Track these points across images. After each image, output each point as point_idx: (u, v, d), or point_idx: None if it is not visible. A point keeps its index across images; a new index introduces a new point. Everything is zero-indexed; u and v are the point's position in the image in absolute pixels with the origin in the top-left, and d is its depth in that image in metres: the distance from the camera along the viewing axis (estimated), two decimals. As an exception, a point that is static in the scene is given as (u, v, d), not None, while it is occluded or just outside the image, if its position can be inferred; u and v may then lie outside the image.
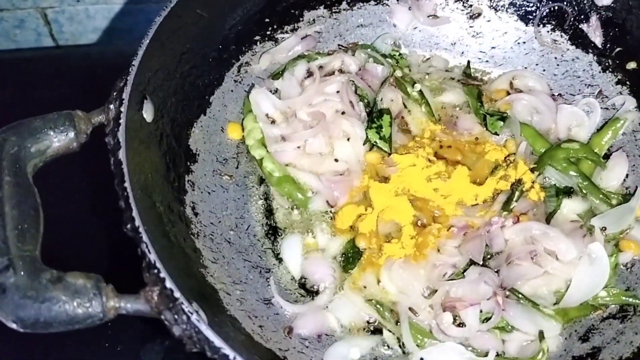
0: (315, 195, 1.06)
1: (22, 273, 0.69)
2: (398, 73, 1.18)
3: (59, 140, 0.82)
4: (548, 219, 1.02)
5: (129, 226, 0.75)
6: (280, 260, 1.02)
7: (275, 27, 1.17)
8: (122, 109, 0.82)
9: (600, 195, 1.05)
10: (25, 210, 0.74)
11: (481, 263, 0.97)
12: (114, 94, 0.85)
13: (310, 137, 1.07)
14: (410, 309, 0.94)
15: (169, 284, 0.70)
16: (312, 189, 1.07)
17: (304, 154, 1.08)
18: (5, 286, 0.68)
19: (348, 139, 1.09)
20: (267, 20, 1.15)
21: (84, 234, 1.05)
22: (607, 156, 1.12)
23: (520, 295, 0.94)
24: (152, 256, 0.72)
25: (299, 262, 1.01)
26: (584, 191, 1.05)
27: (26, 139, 0.80)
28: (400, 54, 1.23)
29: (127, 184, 0.77)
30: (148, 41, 0.90)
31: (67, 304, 0.69)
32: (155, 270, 0.71)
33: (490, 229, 0.99)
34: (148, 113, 0.91)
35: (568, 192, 1.06)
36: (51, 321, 0.68)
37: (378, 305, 0.96)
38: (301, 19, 1.19)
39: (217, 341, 0.69)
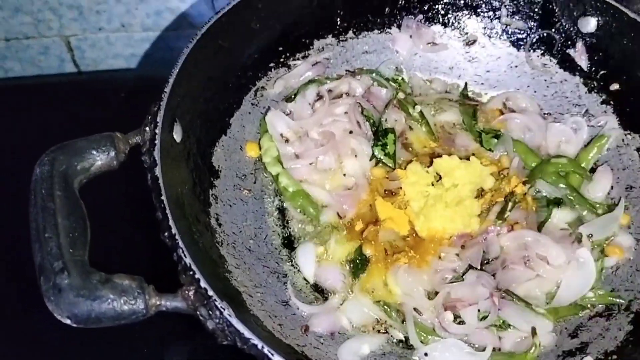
0: (326, 208, 1.12)
1: (75, 275, 0.76)
2: (401, 95, 1.24)
3: (101, 159, 0.89)
4: (539, 227, 1.08)
5: (166, 234, 0.83)
6: (295, 266, 1.07)
7: (288, 55, 1.23)
8: (156, 130, 0.90)
9: (587, 206, 1.11)
10: (74, 221, 0.82)
11: (479, 267, 1.03)
12: (149, 117, 0.93)
13: (321, 155, 1.14)
14: (415, 309, 1.00)
15: (203, 283, 0.78)
16: (323, 203, 1.13)
17: (315, 170, 1.14)
18: (60, 287, 0.75)
19: (355, 156, 1.15)
20: (280, 49, 1.22)
21: (125, 241, 1.11)
22: (593, 170, 1.17)
23: (514, 296, 1.00)
24: (188, 260, 0.80)
25: (313, 268, 1.06)
26: (573, 202, 1.11)
27: (73, 157, 0.87)
28: (402, 78, 1.29)
29: (163, 197, 0.84)
30: (177, 70, 0.97)
31: (115, 301, 0.76)
32: (191, 272, 0.79)
33: (486, 237, 1.06)
34: (177, 134, 0.98)
35: (558, 202, 1.12)
36: (101, 317, 0.76)
37: (385, 307, 1.02)
38: (311, 47, 1.25)
39: (247, 333, 0.76)
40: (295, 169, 1.14)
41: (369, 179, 1.15)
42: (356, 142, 1.16)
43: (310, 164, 1.15)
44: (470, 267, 1.04)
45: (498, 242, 1.06)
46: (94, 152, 0.89)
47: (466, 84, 1.31)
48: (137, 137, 0.93)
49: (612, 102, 1.21)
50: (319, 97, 1.22)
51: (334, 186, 1.14)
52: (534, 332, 0.98)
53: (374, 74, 1.27)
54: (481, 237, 1.06)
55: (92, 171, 0.89)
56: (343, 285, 1.05)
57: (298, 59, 1.25)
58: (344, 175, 1.14)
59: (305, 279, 1.07)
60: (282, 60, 1.23)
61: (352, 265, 1.07)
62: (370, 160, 1.16)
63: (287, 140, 1.17)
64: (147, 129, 0.92)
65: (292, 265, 1.08)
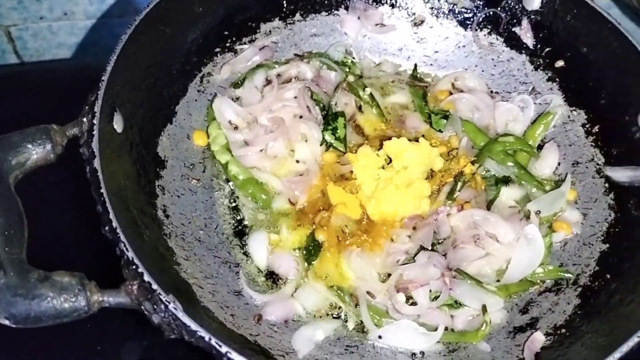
0: (278, 195, 1.12)
1: (12, 274, 0.75)
2: (350, 78, 1.24)
3: (37, 152, 0.87)
4: (489, 205, 1.10)
5: (107, 228, 0.81)
6: (247, 255, 1.07)
7: (234, 39, 1.21)
8: (94, 121, 0.87)
9: (535, 183, 1.13)
10: (10, 218, 0.80)
11: (430, 248, 1.04)
12: (86, 107, 0.90)
13: (271, 141, 1.13)
14: (368, 292, 1.01)
15: (147, 277, 0.77)
16: (274, 190, 1.12)
17: (265, 157, 1.13)
18: None
19: (306, 141, 1.14)
20: (226, 33, 1.20)
21: (65, 237, 1.08)
22: (540, 147, 1.19)
23: (465, 275, 1.01)
24: (130, 254, 0.78)
25: (265, 256, 1.06)
26: (520, 179, 1.13)
27: (7, 152, 0.85)
28: (352, 61, 1.29)
29: (103, 190, 0.82)
30: (115, 57, 0.94)
31: (55, 299, 0.74)
32: (134, 266, 0.78)
33: (437, 217, 1.07)
34: (118, 124, 0.95)
35: (506, 180, 1.13)
36: (41, 316, 0.74)
37: (339, 291, 1.03)
38: (258, 30, 1.24)
39: (193, 325, 0.75)
40: (244, 157, 1.13)
41: (320, 165, 1.15)
42: (306, 127, 1.15)
43: (261, 150, 1.14)
44: (422, 248, 1.04)
45: (448, 222, 1.07)
46: (29, 146, 0.87)
47: (415, 65, 1.31)
48: (74, 129, 0.90)
49: (557, 79, 1.23)
50: (268, 82, 1.20)
51: (284, 172, 1.13)
52: (484, 309, 1.00)
53: (322, 57, 1.26)
54: (432, 217, 1.07)
55: (28, 165, 0.87)
56: (296, 272, 1.05)
57: (244, 44, 1.23)
58: (297, 162, 1.14)
59: (258, 268, 1.07)
60: (227, 45, 1.22)
61: (305, 252, 1.07)
62: (321, 145, 1.16)
63: (235, 127, 1.16)
64: (85, 119, 0.89)
65: (244, 254, 1.08)
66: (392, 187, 1.08)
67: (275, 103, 1.17)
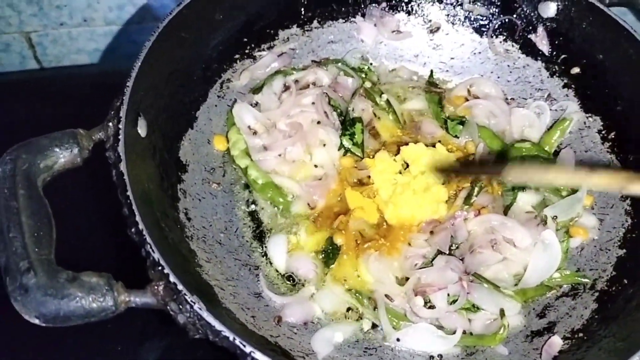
0: (296, 199, 1.13)
1: (42, 274, 0.76)
2: (367, 84, 1.25)
3: (64, 156, 0.88)
4: (505, 211, 1.11)
5: (133, 230, 0.82)
6: (267, 257, 1.08)
7: (253, 46, 1.23)
8: (120, 126, 0.89)
9: (551, 188, 1.13)
10: (39, 219, 0.81)
11: (447, 252, 1.04)
12: (112, 112, 0.92)
13: (289, 146, 1.14)
14: (386, 295, 1.02)
15: (172, 278, 0.78)
16: (293, 194, 1.13)
17: (284, 161, 1.14)
18: (27, 286, 0.75)
19: (324, 146, 1.15)
20: (245, 40, 1.22)
21: (92, 238, 1.10)
22: (556, 153, 1.20)
23: (483, 279, 1.02)
24: (156, 255, 0.80)
25: (284, 258, 1.07)
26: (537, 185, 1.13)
27: (35, 156, 0.86)
28: (368, 67, 1.30)
29: (129, 193, 0.84)
30: (139, 63, 0.96)
31: (84, 299, 0.76)
32: (160, 267, 0.79)
33: (454, 222, 1.07)
34: (142, 129, 0.97)
35: (522, 186, 1.13)
36: (70, 315, 0.75)
37: (357, 294, 1.03)
38: (276, 37, 1.25)
39: (218, 325, 0.77)
40: (263, 161, 1.14)
41: (338, 169, 1.16)
42: (324, 132, 1.16)
43: (279, 155, 1.15)
44: (439, 252, 1.05)
45: (465, 226, 1.07)
46: (57, 150, 0.88)
47: (432, 71, 1.32)
48: (100, 133, 0.92)
49: (573, 86, 1.23)
50: (286, 88, 1.22)
51: (303, 177, 1.14)
52: (502, 313, 1.00)
53: (339, 64, 1.27)
54: (449, 222, 1.08)
55: (56, 169, 0.88)
56: (315, 275, 1.06)
57: (263, 50, 1.25)
58: (315, 166, 1.15)
59: (277, 270, 1.08)
60: (247, 51, 1.23)
61: (323, 255, 1.08)
62: (339, 150, 1.17)
63: (255, 132, 1.17)
64: (111, 124, 0.91)
65: (264, 256, 1.09)
66: (410, 192, 1.09)
67: (294, 108, 1.18)
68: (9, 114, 1.38)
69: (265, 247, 1.09)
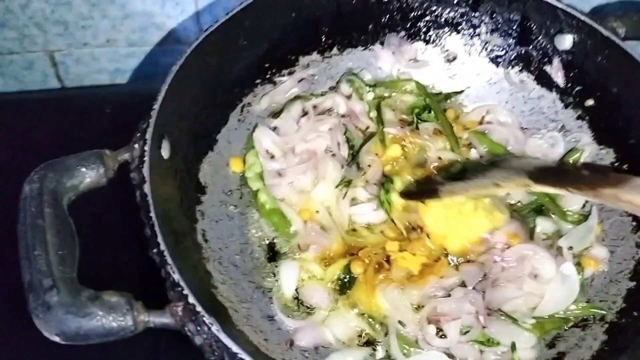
0: (297, 234, 1.12)
1: (64, 292, 0.77)
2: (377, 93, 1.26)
3: (90, 176, 0.90)
4: (531, 235, 1.11)
5: (154, 250, 0.84)
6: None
7: (274, 71, 1.24)
8: (145, 147, 0.91)
9: (562, 214, 1.14)
10: (63, 238, 0.83)
11: (471, 287, 1.04)
12: (137, 134, 0.94)
13: (300, 174, 1.14)
14: (399, 321, 1.02)
15: (191, 299, 0.80)
16: (295, 229, 1.12)
17: (293, 190, 1.15)
18: (50, 304, 0.76)
19: (323, 179, 1.14)
20: (266, 65, 1.23)
21: (114, 257, 1.11)
22: None
23: (502, 313, 1.01)
24: (176, 276, 0.81)
25: (293, 286, 1.06)
26: (549, 210, 1.14)
27: (62, 175, 0.88)
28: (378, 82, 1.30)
29: (152, 214, 0.85)
30: (166, 87, 0.98)
31: (104, 318, 0.77)
32: (179, 288, 0.81)
33: (489, 258, 1.07)
34: (165, 151, 0.98)
35: (539, 210, 1.15)
36: (90, 333, 0.77)
37: (370, 319, 1.03)
38: (297, 63, 1.27)
39: (235, 347, 0.78)
40: (276, 187, 1.15)
41: (343, 230, 1.12)
42: (332, 165, 1.16)
43: (290, 183, 1.16)
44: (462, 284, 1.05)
45: (500, 264, 1.06)
46: (83, 169, 0.90)
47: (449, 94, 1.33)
48: (125, 154, 0.94)
49: (587, 118, 1.24)
50: (304, 113, 1.23)
51: (310, 215, 1.14)
52: (513, 346, 1.00)
53: (351, 76, 1.28)
54: (487, 257, 1.07)
55: (81, 188, 0.90)
56: (329, 303, 1.06)
57: (284, 75, 1.26)
58: (317, 212, 1.14)
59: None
60: (268, 76, 1.25)
61: (339, 283, 1.08)
62: (336, 187, 1.15)
63: (272, 156, 1.18)
64: (136, 145, 0.93)
65: (277, 280, 1.09)
66: (462, 218, 1.09)
67: (310, 134, 1.19)
68: (31, 132, 1.38)
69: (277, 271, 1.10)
